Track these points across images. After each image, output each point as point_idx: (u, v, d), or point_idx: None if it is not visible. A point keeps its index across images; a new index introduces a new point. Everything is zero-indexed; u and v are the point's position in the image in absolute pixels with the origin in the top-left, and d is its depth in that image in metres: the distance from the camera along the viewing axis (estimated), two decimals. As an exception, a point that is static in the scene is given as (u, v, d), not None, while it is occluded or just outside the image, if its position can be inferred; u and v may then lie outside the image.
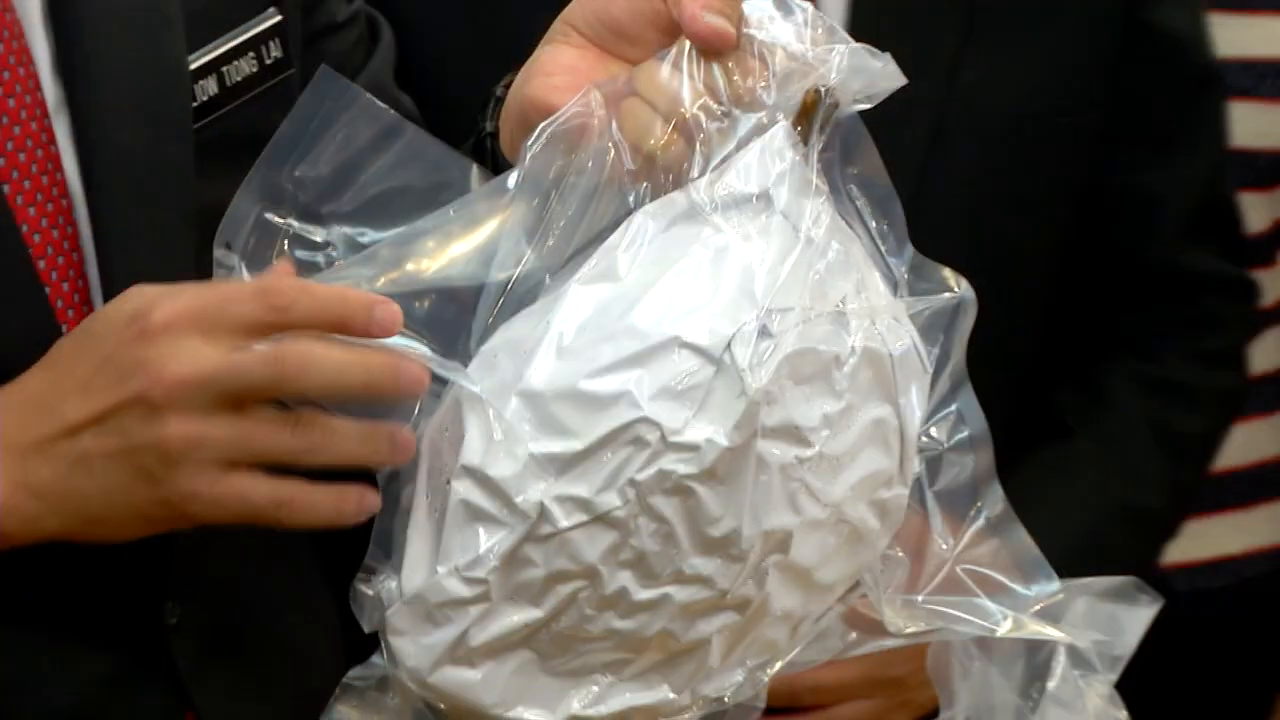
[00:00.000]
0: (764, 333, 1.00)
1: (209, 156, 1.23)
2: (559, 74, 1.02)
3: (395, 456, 1.01)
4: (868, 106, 1.06)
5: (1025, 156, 1.48)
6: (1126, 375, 1.66)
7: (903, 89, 1.17)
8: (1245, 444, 1.86)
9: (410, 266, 1.03)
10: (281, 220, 1.06)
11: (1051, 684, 1.17)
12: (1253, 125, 1.80)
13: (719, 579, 1.06)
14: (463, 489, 1.00)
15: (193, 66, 1.24)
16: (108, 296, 1.18)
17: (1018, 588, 1.13)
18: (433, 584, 1.02)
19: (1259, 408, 1.83)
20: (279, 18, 1.28)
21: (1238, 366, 1.72)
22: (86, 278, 1.19)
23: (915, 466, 1.12)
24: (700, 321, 0.98)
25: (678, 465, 1.00)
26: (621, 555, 1.04)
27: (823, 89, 1.02)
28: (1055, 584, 1.14)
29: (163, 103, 1.24)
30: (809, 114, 1.04)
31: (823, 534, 1.10)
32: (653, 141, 1.00)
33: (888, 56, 1.06)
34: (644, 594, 1.06)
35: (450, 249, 1.04)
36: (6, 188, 1.16)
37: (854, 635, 1.16)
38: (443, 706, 1.08)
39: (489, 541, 1.02)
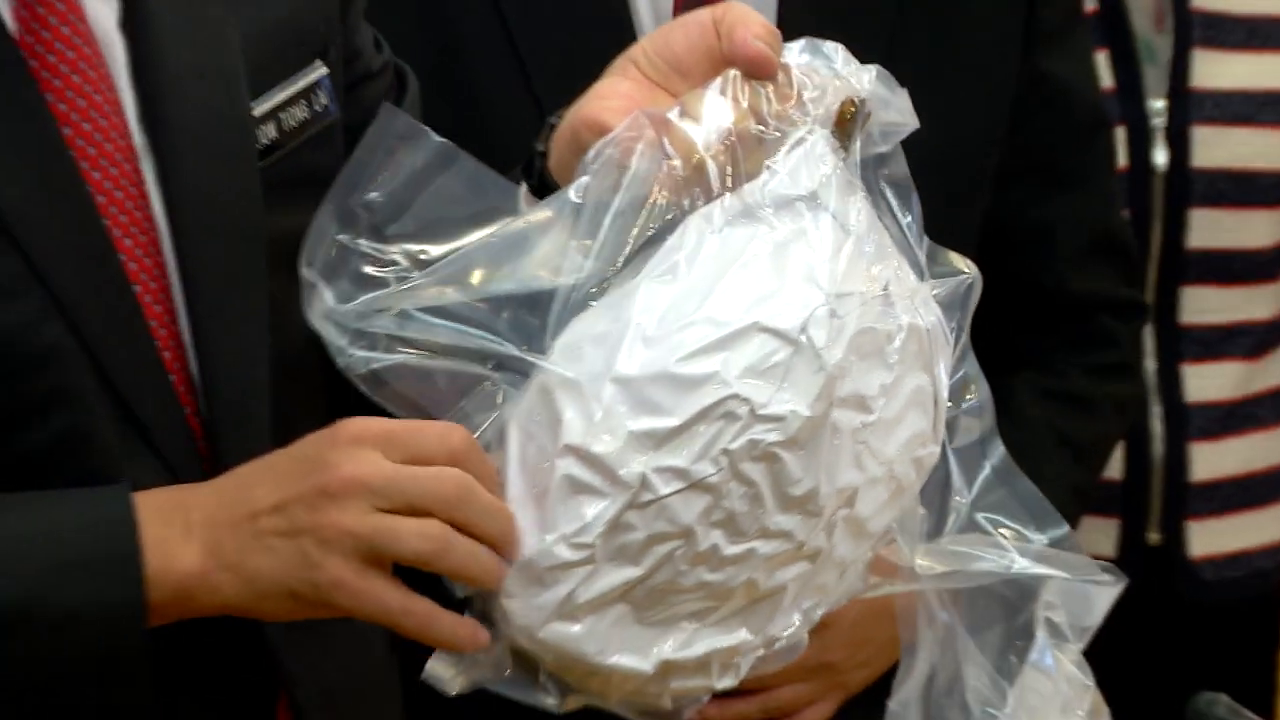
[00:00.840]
0: (833, 315, 1.10)
1: (272, 192, 1.34)
2: (614, 99, 1.12)
3: (492, 578, 1.13)
4: (904, 134, 1.19)
5: (935, 190, 1.56)
6: (1030, 388, 1.75)
7: None
8: (1264, 451, 1.99)
9: (485, 275, 1.12)
10: (352, 240, 1.15)
11: (1034, 653, 1.26)
12: (1256, 149, 1.93)
13: (798, 532, 1.16)
14: (566, 466, 1.09)
15: (255, 114, 1.36)
16: (191, 316, 1.31)
17: (1029, 532, 1.22)
18: (542, 551, 1.11)
19: (1274, 419, 1.98)
20: (325, 70, 1.40)
21: (1132, 378, 1.83)
22: (173, 299, 1.31)
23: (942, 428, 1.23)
24: (775, 308, 1.07)
25: (766, 434, 1.10)
26: (714, 516, 1.13)
27: (858, 100, 1.14)
28: (1064, 528, 1.22)
29: (232, 147, 1.36)
30: (846, 123, 1.15)
31: (879, 489, 1.21)
32: (701, 153, 1.09)
33: (904, 92, 1.19)
34: (732, 549, 1.15)
35: (518, 258, 1.13)
36: (107, 222, 1.28)
37: (874, 579, 1.26)
38: (549, 658, 1.17)
39: (594, 511, 1.11)
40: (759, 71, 1.12)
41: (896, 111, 1.20)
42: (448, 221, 1.17)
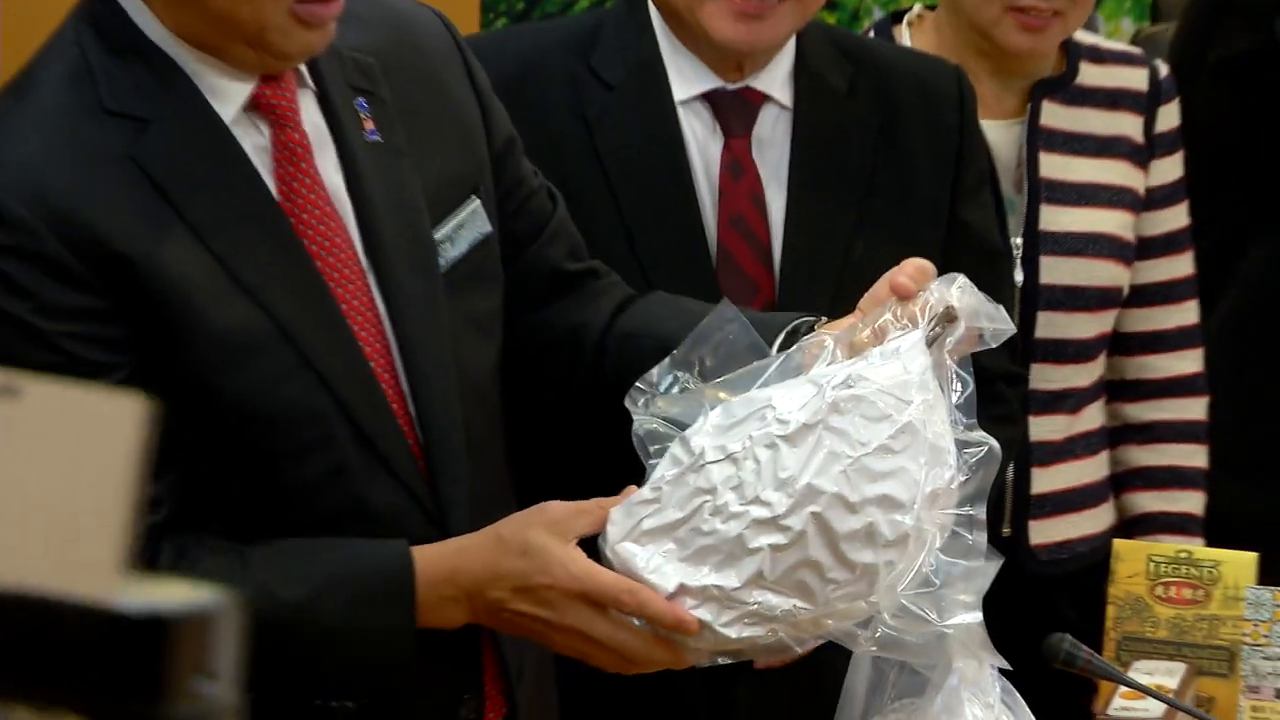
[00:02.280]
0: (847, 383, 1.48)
1: (450, 288, 1.68)
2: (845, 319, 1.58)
3: (664, 665, 1.56)
4: (994, 344, 1.57)
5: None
6: None
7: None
8: (1080, 474, 2.44)
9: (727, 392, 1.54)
10: (685, 376, 1.57)
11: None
12: (1082, 272, 2.38)
13: (777, 506, 1.48)
14: (671, 445, 1.52)
15: (436, 237, 1.68)
16: (409, 378, 1.64)
17: None
18: (638, 493, 1.51)
19: (1086, 452, 2.44)
20: (479, 201, 1.71)
21: (1015, 425, 2.18)
22: (395, 366, 1.63)
23: (909, 527, 1.49)
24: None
25: (775, 427, 1.47)
26: (731, 482, 1.49)
27: (949, 306, 1.52)
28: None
29: (423, 261, 1.68)
30: (939, 322, 1.53)
31: (850, 516, 1.51)
32: (860, 337, 1.53)
33: (1000, 308, 1.56)
34: (736, 508, 1.49)
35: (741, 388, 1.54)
36: (348, 319, 1.60)
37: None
38: (618, 569, 1.53)
39: (670, 467, 1.51)
40: (902, 295, 1.55)
41: (987, 318, 1.58)
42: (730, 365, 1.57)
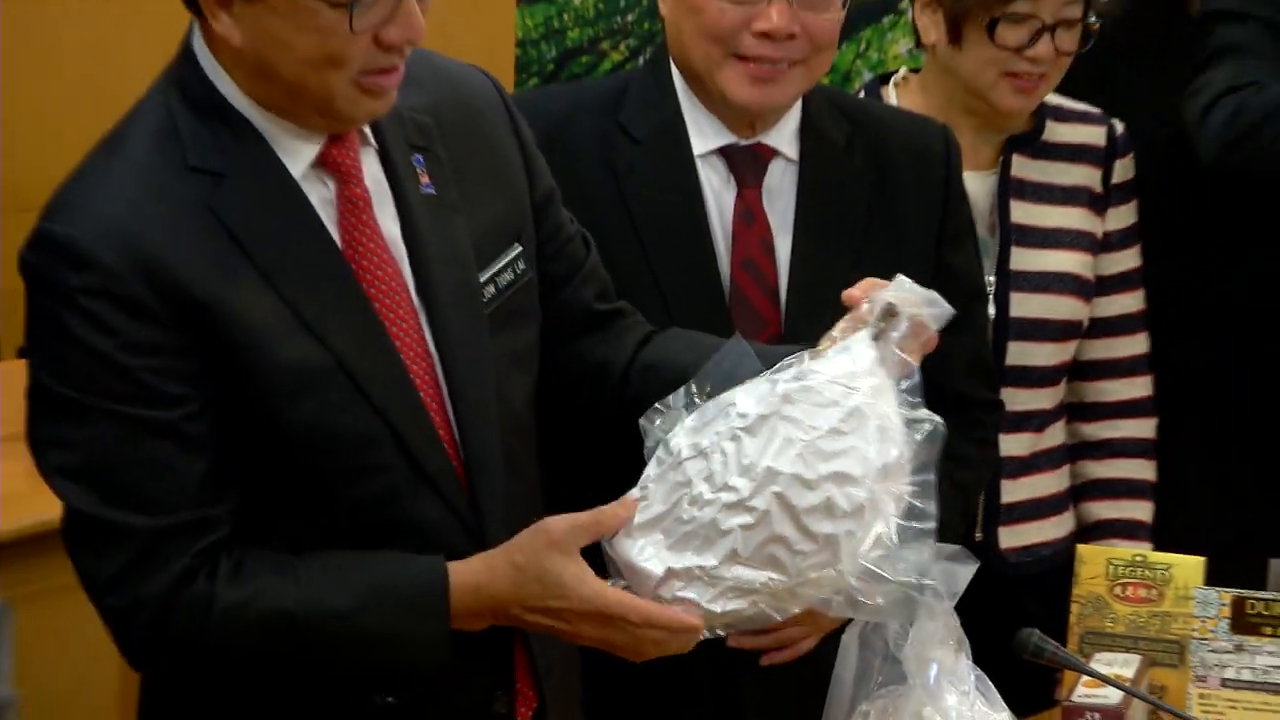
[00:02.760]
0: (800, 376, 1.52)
1: (494, 325, 1.68)
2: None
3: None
4: (938, 327, 1.58)
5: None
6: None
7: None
8: (1044, 486, 2.48)
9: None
10: (697, 401, 1.59)
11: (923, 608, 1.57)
12: (1048, 307, 2.42)
13: (743, 490, 1.51)
14: (656, 449, 1.56)
15: (480, 280, 1.67)
16: (455, 409, 1.63)
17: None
18: (630, 493, 1.56)
19: (1050, 466, 2.48)
20: (520, 248, 1.72)
21: (993, 448, 2.24)
22: (443, 397, 1.63)
23: (864, 499, 1.52)
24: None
25: (737, 421, 1.51)
26: (703, 473, 1.52)
27: (888, 304, 1.57)
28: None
29: (469, 302, 1.67)
30: (882, 318, 1.58)
31: (808, 493, 1.51)
32: (823, 347, 1.57)
33: (937, 296, 1.57)
34: (708, 495, 1.52)
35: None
36: (402, 355, 1.59)
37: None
38: (616, 561, 1.56)
39: (654, 468, 1.56)
40: (850, 303, 1.62)
41: (926, 305, 1.59)
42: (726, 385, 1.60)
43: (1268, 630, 2.03)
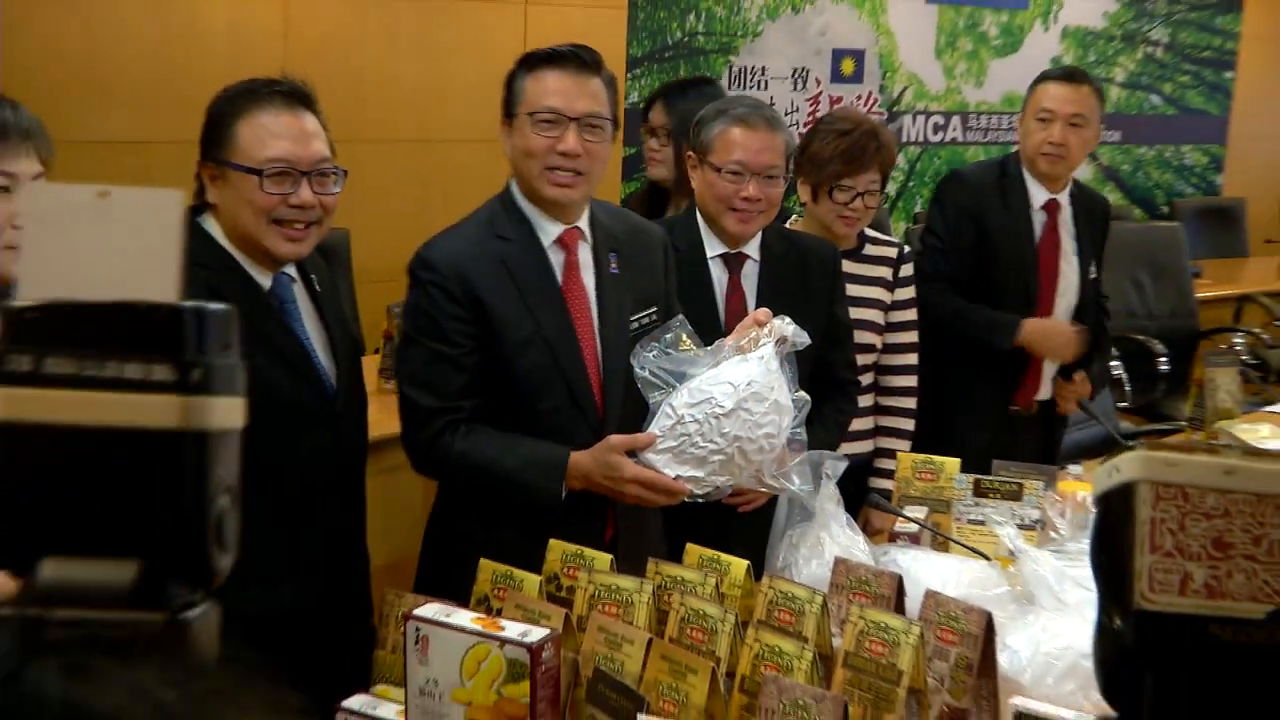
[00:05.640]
0: (747, 385, 2.40)
1: (629, 343, 2.52)
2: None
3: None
4: (801, 347, 2.49)
5: (808, 352, 2.59)
6: (829, 406, 3.08)
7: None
8: (864, 424, 3.56)
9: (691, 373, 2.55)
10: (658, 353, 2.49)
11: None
12: (865, 337, 3.50)
13: (720, 444, 2.41)
14: (661, 404, 2.51)
15: (630, 319, 2.60)
16: (604, 374, 2.52)
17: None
18: (653, 430, 2.49)
19: (864, 414, 3.52)
20: (655, 309, 2.64)
21: (855, 404, 3.27)
22: (600, 370, 2.54)
23: (778, 442, 2.41)
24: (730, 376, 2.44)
25: (717, 409, 2.47)
26: (698, 432, 2.46)
27: (782, 334, 2.49)
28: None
29: (622, 329, 2.57)
30: (777, 339, 2.49)
31: (751, 443, 2.39)
32: (742, 344, 2.50)
33: (802, 330, 2.44)
34: (701, 443, 2.46)
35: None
36: (580, 344, 2.53)
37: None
38: (646, 466, 2.48)
39: (669, 421, 2.52)
40: (760, 322, 2.43)
41: (795, 335, 2.40)
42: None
43: (994, 496, 2.96)
